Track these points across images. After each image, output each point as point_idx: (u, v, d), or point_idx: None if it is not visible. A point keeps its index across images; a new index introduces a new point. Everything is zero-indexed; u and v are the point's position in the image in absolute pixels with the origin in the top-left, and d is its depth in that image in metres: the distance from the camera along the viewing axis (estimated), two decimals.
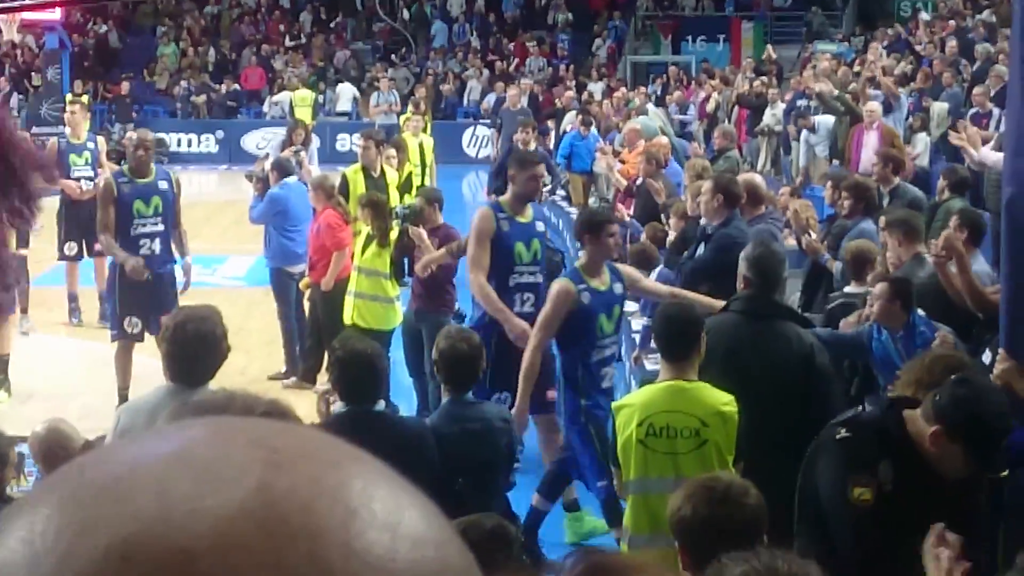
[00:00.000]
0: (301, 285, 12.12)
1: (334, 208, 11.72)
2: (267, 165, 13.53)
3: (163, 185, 11.19)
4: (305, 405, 8.02)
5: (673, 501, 4.17)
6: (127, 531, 0.67)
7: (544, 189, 15.17)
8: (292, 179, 12.75)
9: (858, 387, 8.39)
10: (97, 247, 13.63)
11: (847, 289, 8.72)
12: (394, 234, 10.93)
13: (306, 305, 12.23)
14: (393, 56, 36.58)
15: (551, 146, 22.25)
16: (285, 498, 0.69)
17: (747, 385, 6.10)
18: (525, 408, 8.05)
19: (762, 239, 7.86)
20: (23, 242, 13.36)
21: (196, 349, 5.55)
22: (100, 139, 15.16)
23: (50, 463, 6.37)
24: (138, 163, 11.16)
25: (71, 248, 13.97)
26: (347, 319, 10.81)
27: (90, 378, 12.10)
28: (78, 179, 13.84)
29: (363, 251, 10.94)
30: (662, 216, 12.03)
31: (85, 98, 30.35)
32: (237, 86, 34.75)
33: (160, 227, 11.02)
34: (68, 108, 15.11)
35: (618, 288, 8.22)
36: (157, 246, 10.98)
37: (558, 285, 8.03)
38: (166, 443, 0.73)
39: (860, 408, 5.08)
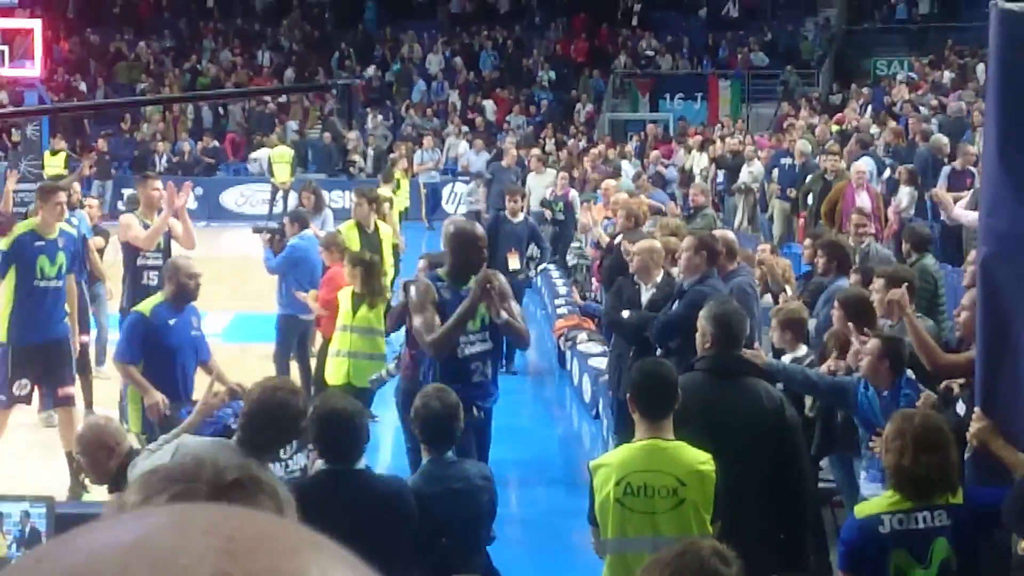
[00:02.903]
0: None
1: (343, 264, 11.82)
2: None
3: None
4: None
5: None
6: None
7: (530, 264, 14.95)
8: (309, 231, 13.17)
9: (819, 440, 8.41)
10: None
11: (789, 356, 8.69)
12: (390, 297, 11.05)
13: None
14: (371, 114, 36.63)
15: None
16: None
17: (723, 443, 6.09)
18: None
19: (723, 297, 7.89)
20: (84, 327, 12.50)
21: (277, 417, 5.62)
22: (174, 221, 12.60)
23: (94, 459, 6.50)
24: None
25: None
26: (338, 378, 10.74)
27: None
28: (149, 268, 11.82)
29: (355, 310, 10.92)
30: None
31: (62, 154, 30.37)
32: (216, 143, 34.79)
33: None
34: (147, 183, 12.35)
35: None
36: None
37: None
38: (125, 532, 0.74)
39: None
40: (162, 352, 9.14)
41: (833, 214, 16.75)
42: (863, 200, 16.21)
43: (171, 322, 9.24)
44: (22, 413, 12.67)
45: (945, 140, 19.07)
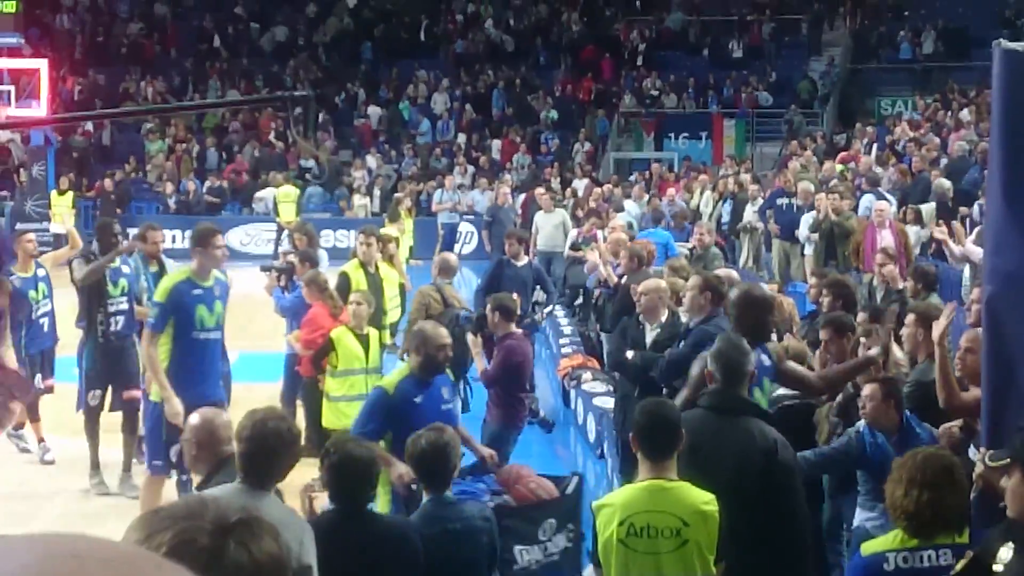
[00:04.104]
0: None
1: (324, 304, 11.73)
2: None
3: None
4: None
5: None
6: None
7: (536, 308, 14.77)
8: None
9: (835, 480, 8.34)
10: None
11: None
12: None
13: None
14: (374, 153, 36.68)
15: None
16: None
17: (711, 481, 6.04)
18: None
19: (727, 334, 7.85)
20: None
21: (273, 447, 5.53)
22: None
23: (200, 448, 6.34)
24: None
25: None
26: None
27: (68, 477, 12.03)
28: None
29: (367, 351, 10.79)
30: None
31: (69, 195, 30.45)
32: (224, 183, 34.86)
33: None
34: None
35: None
36: None
37: None
38: None
39: None
40: (408, 431, 7.82)
41: (858, 254, 16.81)
42: (886, 238, 16.24)
43: (417, 399, 8.28)
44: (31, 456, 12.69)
45: (948, 184, 19.17)
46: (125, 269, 11.90)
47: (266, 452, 5.52)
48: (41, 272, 12.71)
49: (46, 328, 12.68)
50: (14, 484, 11.93)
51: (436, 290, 11.94)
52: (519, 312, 13.79)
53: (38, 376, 12.48)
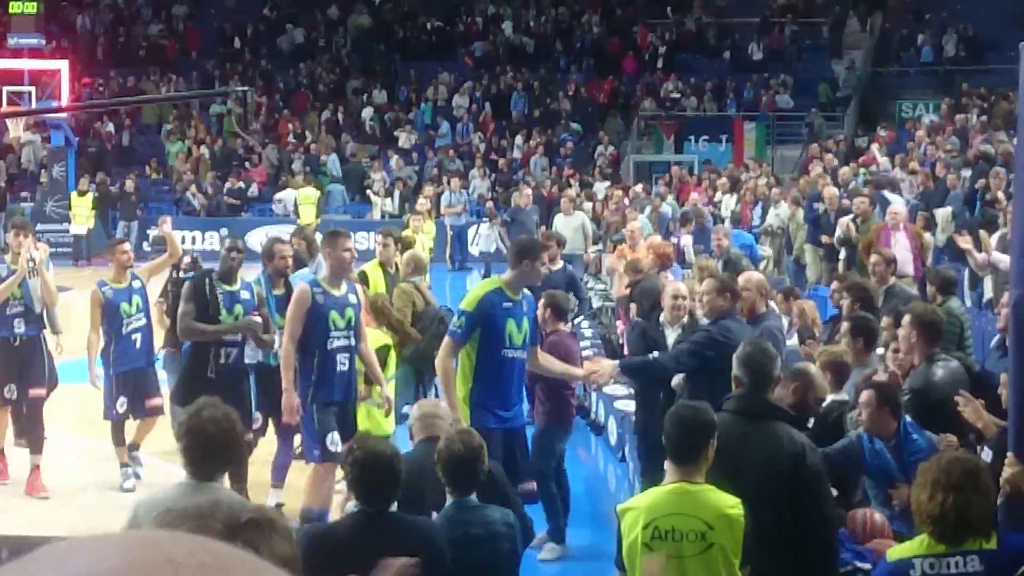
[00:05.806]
0: None
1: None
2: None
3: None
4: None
5: None
6: None
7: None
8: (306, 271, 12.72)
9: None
10: None
11: (831, 397, 8.48)
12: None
13: None
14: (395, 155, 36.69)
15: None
16: None
17: (739, 485, 6.00)
18: None
19: (753, 339, 7.79)
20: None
21: (209, 438, 5.48)
22: (359, 288, 10.83)
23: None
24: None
25: None
26: (388, 427, 10.22)
27: (93, 475, 12.03)
28: (339, 351, 9.66)
29: (385, 359, 10.68)
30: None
31: (89, 195, 30.45)
32: (241, 184, 34.89)
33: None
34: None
35: None
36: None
37: None
38: (74, 567, 0.72)
39: None
40: None
41: (869, 255, 16.72)
42: (901, 240, 16.17)
43: None
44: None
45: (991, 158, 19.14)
46: (244, 294, 10.86)
47: (203, 443, 5.48)
48: (136, 284, 11.69)
49: (139, 345, 11.58)
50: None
51: (415, 287, 11.84)
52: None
53: (122, 398, 11.44)
